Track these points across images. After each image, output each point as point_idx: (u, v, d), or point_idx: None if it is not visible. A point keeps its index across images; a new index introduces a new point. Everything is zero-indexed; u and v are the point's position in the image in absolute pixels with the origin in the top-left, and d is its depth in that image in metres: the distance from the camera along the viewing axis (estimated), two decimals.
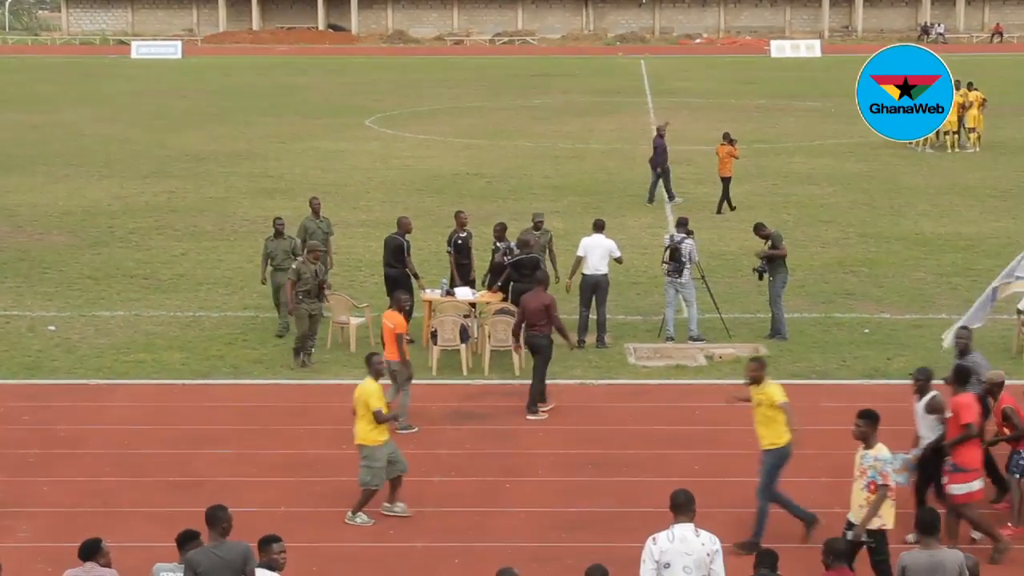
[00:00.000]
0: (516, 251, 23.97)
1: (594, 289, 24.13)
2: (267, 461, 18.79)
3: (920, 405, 16.04)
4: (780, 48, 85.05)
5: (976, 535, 15.79)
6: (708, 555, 12.31)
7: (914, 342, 24.51)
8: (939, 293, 27.76)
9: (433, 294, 24.06)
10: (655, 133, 38.09)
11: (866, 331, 24.95)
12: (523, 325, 20.48)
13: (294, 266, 23.11)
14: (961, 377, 16.00)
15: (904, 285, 28.55)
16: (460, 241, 24.94)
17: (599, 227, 24.64)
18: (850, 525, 14.40)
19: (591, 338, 24.15)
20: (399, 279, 23.64)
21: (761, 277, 24.58)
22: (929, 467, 16.20)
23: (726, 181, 36.49)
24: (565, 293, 24.53)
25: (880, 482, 14.32)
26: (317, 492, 17.21)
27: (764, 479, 16.03)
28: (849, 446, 17.62)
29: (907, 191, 39.01)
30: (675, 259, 24.18)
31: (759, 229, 25.15)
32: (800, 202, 37.06)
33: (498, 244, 24.59)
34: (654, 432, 19.70)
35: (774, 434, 15.92)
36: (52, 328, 25.34)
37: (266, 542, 12.82)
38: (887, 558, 14.06)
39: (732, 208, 36.28)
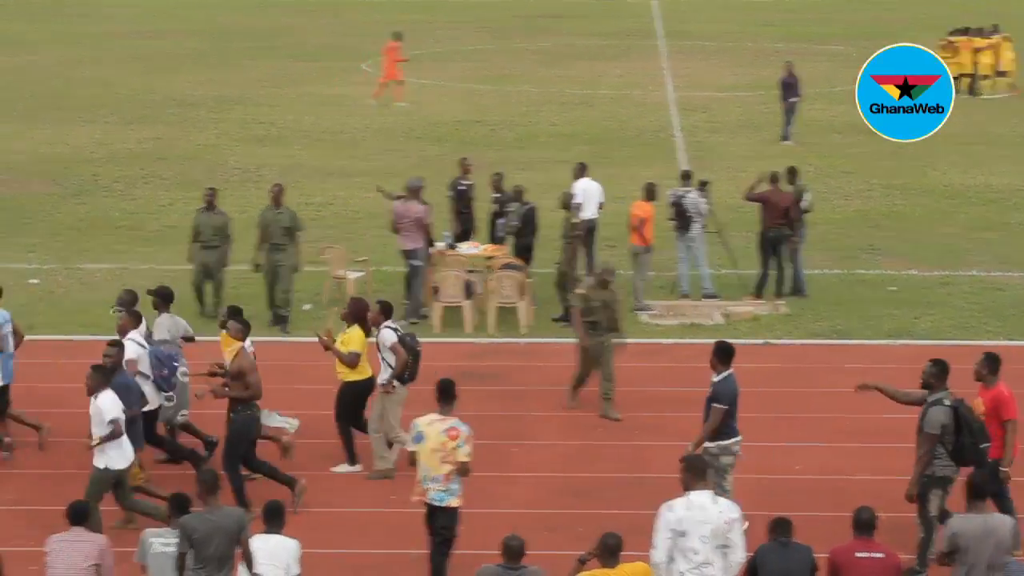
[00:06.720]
0: (502, 199, 24.35)
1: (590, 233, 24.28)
2: None
3: None
4: None
5: None
6: (726, 523, 12.36)
7: (943, 300, 24.54)
8: (969, 248, 27.75)
9: (437, 247, 24.03)
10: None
11: (892, 289, 24.97)
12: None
13: (581, 291, 20.18)
14: None
15: (932, 240, 28.54)
16: (462, 188, 25.03)
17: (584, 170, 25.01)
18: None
19: None
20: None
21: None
22: None
23: None
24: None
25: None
26: (309, 454, 17.24)
27: None
28: (870, 410, 17.80)
29: (934, 140, 38.40)
30: (680, 215, 24.21)
31: (791, 173, 24.75)
32: (820, 152, 36.96)
33: (494, 195, 24.80)
34: (668, 394, 19.73)
35: None
36: (35, 281, 25.37)
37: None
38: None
39: None
